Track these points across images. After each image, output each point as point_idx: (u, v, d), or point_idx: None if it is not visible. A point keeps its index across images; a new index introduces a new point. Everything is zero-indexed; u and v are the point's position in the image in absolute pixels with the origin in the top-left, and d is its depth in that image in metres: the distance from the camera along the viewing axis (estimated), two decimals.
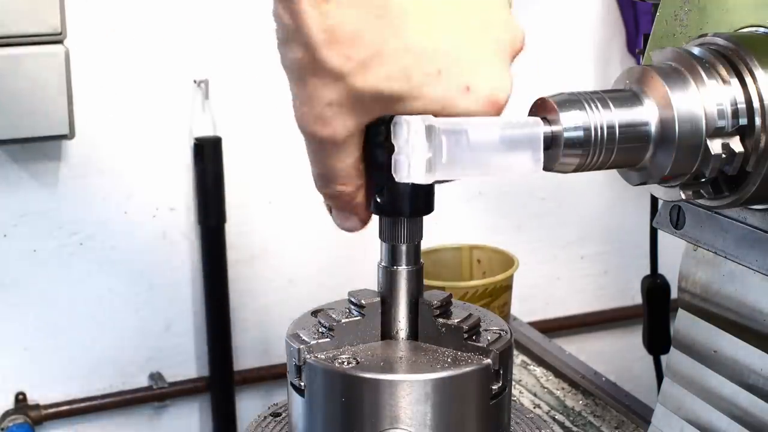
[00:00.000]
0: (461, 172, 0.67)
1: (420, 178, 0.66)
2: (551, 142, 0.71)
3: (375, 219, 0.77)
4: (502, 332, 0.76)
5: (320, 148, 0.70)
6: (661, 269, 1.59)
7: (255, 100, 1.77)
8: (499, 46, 0.71)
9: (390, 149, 0.70)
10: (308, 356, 0.74)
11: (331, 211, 0.76)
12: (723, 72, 0.74)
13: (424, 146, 0.66)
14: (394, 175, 0.68)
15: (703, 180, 0.75)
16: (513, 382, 1.12)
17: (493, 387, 0.74)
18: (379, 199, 0.74)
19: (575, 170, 0.72)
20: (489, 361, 0.74)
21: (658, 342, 1.62)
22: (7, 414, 1.74)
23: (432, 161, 0.66)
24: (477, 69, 0.69)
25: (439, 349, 0.75)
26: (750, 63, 0.74)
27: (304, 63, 0.66)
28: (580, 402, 1.34)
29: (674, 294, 1.14)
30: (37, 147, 1.68)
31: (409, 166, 0.66)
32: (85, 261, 1.75)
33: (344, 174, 0.71)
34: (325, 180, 0.72)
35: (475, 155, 0.67)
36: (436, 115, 0.67)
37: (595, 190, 2.07)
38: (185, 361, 1.86)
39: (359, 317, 0.76)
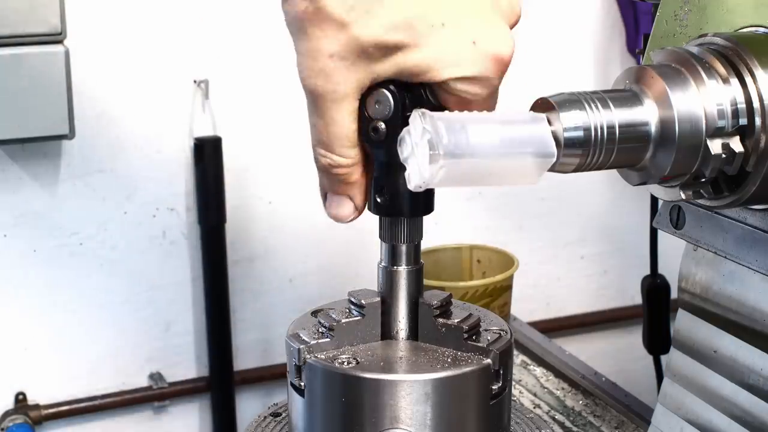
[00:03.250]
0: (466, 163, 0.66)
1: (426, 173, 0.66)
2: None
3: (375, 219, 0.77)
4: (502, 332, 0.76)
5: (321, 105, 0.71)
6: (661, 269, 1.59)
7: (255, 100, 1.77)
8: (500, 9, 0.72)
9: (389, 148, 0.70)
10: (308, 356, 0.74)
11: (325, 199, 0.76)
12: (723, 72, 0.74)
13: (425, 139, 0.65)
14: (408, 185, 0.67)
15: (703, 180, 0.75)
16: (513, 382, 1.12)
17: (493, 387, 0.74)
18: (379, 199, 0.74)
19: (575, 170, 0.72)
20: (489, 361, 0.74)
21: (658, 342, 1.62)
22: (7, 414, 1.74)
23: (434, 144, 0.65)
24: (481, 26, 0.70)
25: (439, 349, 0.75)
26: (750, 63, 0.74)
27: (308, 14, 0.68)
28: (580, 402, 1.34)
29: (674, 294, 1.14)
30: (37, 147, 1.68)
31: (418, 166, 0.66)
32: (85, 261, 1.75)
33: (342, 139, 0.72)
34: (323, 145, 0.73)
35: (476, 141, 0.67)
36: (436, 69, 0.69)
37: (595, 190, 2.07)
38: (185, 361, 1.86)
39: (359, 317, 0.76)
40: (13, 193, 1.69)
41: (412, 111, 0.67)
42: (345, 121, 0.71)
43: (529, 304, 2.01)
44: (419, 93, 0.72)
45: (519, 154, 0.68)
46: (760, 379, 0.87)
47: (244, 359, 1.88)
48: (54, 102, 1.59)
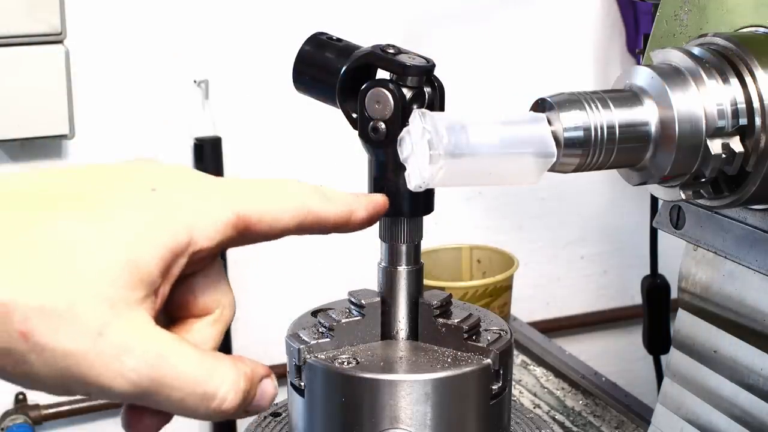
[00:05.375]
0: (466, 163, 0.66)
1: (426, 173, 0.66)
2: None
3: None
4: (502, 332, 0.76)
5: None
6: (661, 269, 1.59)
7: (255, 100, 1.77)
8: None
9: (389, 148, 0.70)
10: (308, 356, 0.74)
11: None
12: (723, 72, 0.74)
13: (425, 139, 0.65)
14: (408, 185, 0.67)
15: (703, 180, 0.75)
16: (513, 382, 1.12)
17: (493, 387, 0.74)
18: None
19: (575, 170, 0.72)
20: (489, 361, 0.74)
21: (658, 342, 1.62)
22: (7, 414, 1.74)
23: (434, 144, 0.65)
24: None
25: (439, 349, 0.75)
26: (750, 63, 0.74)
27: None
28: (580, 402, 1.34)
29: (674, 294, 1.14)
30: (37, 147, 1.68)
31: (418, 166, 0.66)
32: None
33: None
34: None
35: (476, 141, 0.66)
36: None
37: (595, 190, 2.07)
38: None
39: (359, 317, 0.76)
40: None
41: (412, 111, 0.67)
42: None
43: (529, 304, 2.01)
44: (420, 92, 0.72)
45: (519, 154, 0.68)
46: (760, 379, 0.87)
47: None
48: (54, 102, 1.59)
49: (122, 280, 0.54)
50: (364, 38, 0.80)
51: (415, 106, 0.71)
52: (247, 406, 0.59)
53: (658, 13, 0.91)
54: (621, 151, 0.72)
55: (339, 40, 0.78)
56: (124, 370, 0.54)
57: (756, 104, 0.73)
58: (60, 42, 1.59)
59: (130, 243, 0.55)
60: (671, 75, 0.74)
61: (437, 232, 1.57)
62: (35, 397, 1.77)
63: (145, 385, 0.54)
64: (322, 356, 0.74)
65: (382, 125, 0.72)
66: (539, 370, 1.43)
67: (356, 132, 0.74)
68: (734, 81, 0.74)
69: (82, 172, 0.59)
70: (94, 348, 0.53)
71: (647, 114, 0.73)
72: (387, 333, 0.77)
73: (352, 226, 0.66)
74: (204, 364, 0.57)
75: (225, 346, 1.84)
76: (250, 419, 0.84)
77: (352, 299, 0.77)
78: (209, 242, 0.58)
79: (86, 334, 0.53)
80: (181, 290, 0.61)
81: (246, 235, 0.60)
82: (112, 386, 0.54)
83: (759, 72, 0.74)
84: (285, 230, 0.62)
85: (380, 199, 0.68)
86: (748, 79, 0.74)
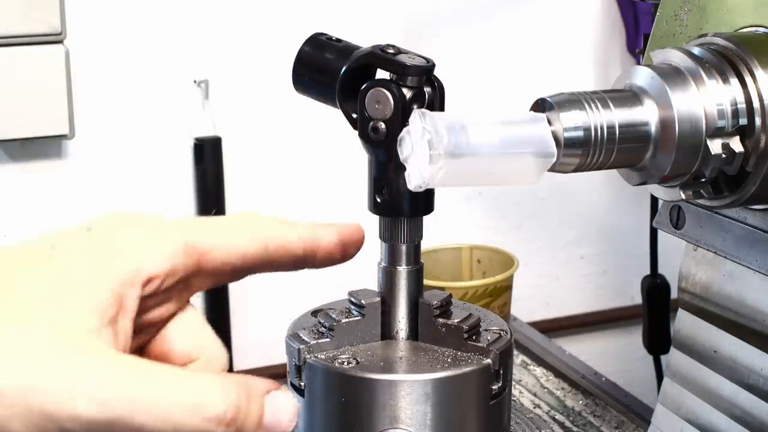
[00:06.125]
0: (466, 163, 0.66)
1: (426, 173, 0.66)
2: None
3: (375, 219, 0.77)
4: (502, 332, 0.76)
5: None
6: (661, 269, 1.59)
7: (255, 100, 1.77)
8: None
9: (389, 148, 0.70)
10: (308, 356, 0.74)
11: None
12: (723, 72, 0.74)
13: (425, 139, 0.65)
14: (408, 185, 0.67)
15: (703, 180, 0.75)
16: (513, 382, 1.12)
17: (493, 387, 0.74)
18: (378, 199, 0.74)
19: (575, 170, 0.72)
20: (489, 361, 0.74)
21: (658, 342, 1.62)
22: None
23: (434, 144, 0.65)
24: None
25: (439, 349, 0.75)
26: (750, 63, 0.74)
27: None
28: (580, 402, 1.34)
29: (674, 294, 1.14)
30: (37, 147, 1.68)
31: (418, 166, 0.66)
32: None
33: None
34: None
35: (476, 141, 0.66)
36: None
37: (595, 190, 2.07)
38: None
39: (359, 317, 0.76)
40: (12, 193, 1.69)
41: (412, 111, 0.68)
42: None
43: (529, 304, 2.00)
44: (420, 92, 0.72)
45: (519, 154, 0.68)
46: (760, 379, 0.87)
47: (244, 359, 1.88)
48: (54, 102, 1.59)
49: (68, 311, 0.53)
50: (364, 38, 0.80)
51: (415, 106, 0.71)
52: (257, 422, 0.55)
53: (658, 13, 0.91)
54: (621, 151, 0.72)
55: (338, 40, 0.78)
56: (87, 394, 0.52)
57: (756, 104, 0.73)
58: (60, 42, 1.59)
59: (72, 277, 0.54)
60: (671, 75, 0.74)
61: (437, 232, 1.57)
62: None
63: (116, 408, 0.52)
64: (322, 356, 0.74)
65: (382, 125, 0.72)
66: (539, 370, 1.43)
67: (356, 132, 0.74)
68: (734, 81, 0.74)
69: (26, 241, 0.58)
70: (50, 377, 0.52)
71: (647, 114, 0.73)
72: (387, 333, 0.77)
73: (323, 252, 0.63)
74: (179, 376, 0.54)
75: (225, 346, 1.84)
76: None
77: (352, 299, 0.77)
78: (157, 268, 0.56)
79: (37, 365, 0.52)
80: (157, 342, 0.60)
81: (203, 265, 0.58)
82: (80, 414, 0.52)
83: (759, 72, 0.74)
84: (246, 258, 0.60)
85: (353, 224, 0.64)
86: (748, 79, 0.74)
